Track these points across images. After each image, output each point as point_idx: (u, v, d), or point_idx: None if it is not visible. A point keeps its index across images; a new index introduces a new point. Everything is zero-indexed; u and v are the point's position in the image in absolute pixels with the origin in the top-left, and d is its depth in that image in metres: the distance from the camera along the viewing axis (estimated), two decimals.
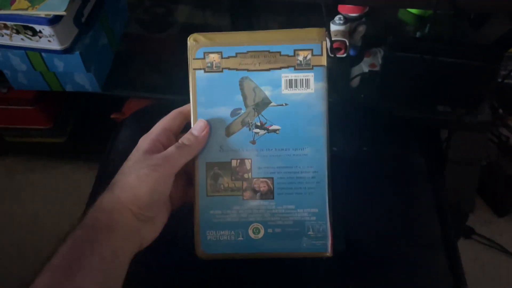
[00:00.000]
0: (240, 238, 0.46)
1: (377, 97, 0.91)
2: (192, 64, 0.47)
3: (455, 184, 1.04)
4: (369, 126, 0.73)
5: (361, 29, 0.84)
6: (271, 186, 0.46)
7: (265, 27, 1.07)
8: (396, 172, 0.66)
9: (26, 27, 0.74)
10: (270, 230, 0.46)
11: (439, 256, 0.58)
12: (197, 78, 0.47)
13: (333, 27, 0.81)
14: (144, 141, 0.44)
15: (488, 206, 1.16)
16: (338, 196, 0.62)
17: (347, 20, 0.82)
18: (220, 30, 0.48)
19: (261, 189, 0.46)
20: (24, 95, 1.05)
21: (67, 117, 1.19)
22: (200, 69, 0.47)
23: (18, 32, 0.76)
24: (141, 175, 0.41)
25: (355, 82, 0.93)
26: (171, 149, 0.43)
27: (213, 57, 0.47)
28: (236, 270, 0.55)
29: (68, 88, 0.89)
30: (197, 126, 0.45)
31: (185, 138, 0.45)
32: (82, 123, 1.21)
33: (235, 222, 0.46)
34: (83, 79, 0.87)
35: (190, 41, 0.48)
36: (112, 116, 1.06)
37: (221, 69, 0.47)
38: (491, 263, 1.06)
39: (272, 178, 0.46)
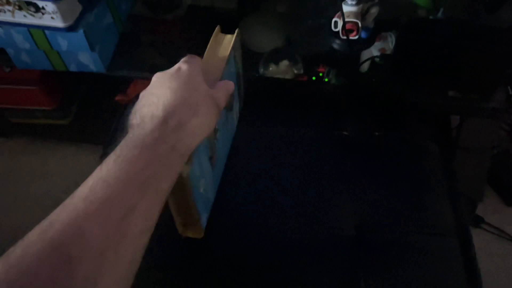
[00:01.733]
0: None
1: (388, 82, 0.88)
2: None
3: (465, 172, 1.02)
4: (381, 111, 0.71)
5: (374, 10, 0.81)
6: None
7: (273, 10, 1.04)
8: (408, 157, 0.64)
9: (28, 3, 0.72)
10: None
11: (451, 243, 0.57)
12: None
13: (346, 8, 0.79)
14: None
15: (497, 195, 1.14)
16: (348, 181, 0.61)
17: (359, 1, 0.79)
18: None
19: None
20: (27, 75, 1.04)
21: (72, 99, 1.17)
22: None
23: (20, 8, 0.73)
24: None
25: (365, 66, 0.90)
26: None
27: None
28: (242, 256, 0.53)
29: (72, 68, 0.88)
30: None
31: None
32: (86, 105, 1.19)
33: None
34: (87, 59, 0.85)
35: None
36: (116, 98, 1.04)
37: None
38: (500, 253, 1.05)
39: None
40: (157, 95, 0.39)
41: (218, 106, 0.44)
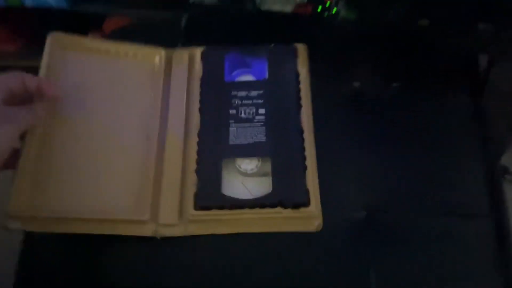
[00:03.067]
0: None
1: (408, 15, 0.73)
2: None
3: (492, 118, 0.89)
4: (400, 54, 0.57)
5: None
6: None
7: None
8: (433, 115, 0.51)
9: None
10: None
11: (483, 227, 0.46)
12: None
13: None
14: None
15: None
16: (358, 147, 0.49)
17: None
18: None
19: None
20: None
21: (40, 38, 1.03)
22: None
23: None
24: None
25: None
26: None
27: None
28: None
29: (28, 3, 0.73)
30: None
31: None
32: None
33: None
34: None
35: None
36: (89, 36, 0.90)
37: None
38: None
39: None
40: None
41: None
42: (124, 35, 0.67)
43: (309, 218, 0.43)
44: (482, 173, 0.48)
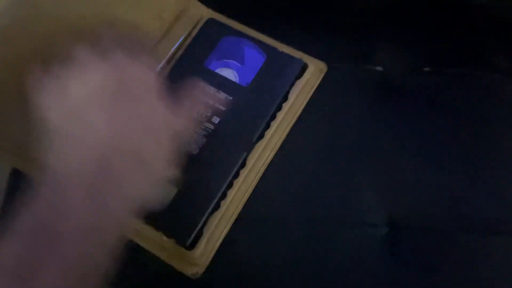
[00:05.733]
0: None
1: None
2: None
3: None
4: (432, 31, 0.47)
5: None
6: None
7: None
8: (473, 107, 0.42)
9: None
10: None
11: None
12: None
13: None
14: None
15: None
16: (380, 146, 0.41)
17: None
18: None
19: None
20: None
21: None
22: None
23: None
24: None
25: None
26: None
27: None
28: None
29: None
30: None
31: None
32: None
33: None
34: None
35: None
36: None
37: None
38: None
39: None
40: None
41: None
42: None
43: (186, 261, 0.36)
44: None
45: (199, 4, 0.44)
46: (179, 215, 0.36)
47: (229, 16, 0.44)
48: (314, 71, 0.42)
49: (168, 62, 0.42)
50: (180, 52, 0.42)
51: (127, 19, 0.37)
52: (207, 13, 0.44)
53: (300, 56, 0.41)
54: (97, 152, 0.24)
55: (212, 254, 0.36)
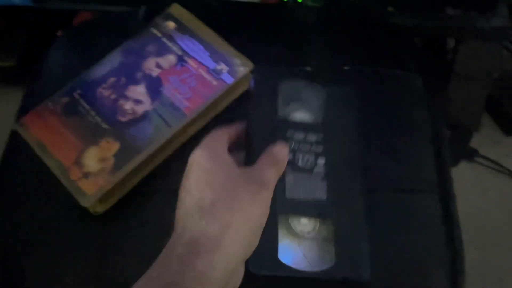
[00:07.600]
0: None
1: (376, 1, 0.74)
2: None
3: (460, 100, 0.90)
4: (354, 37, 0.58)
5: None
6: None
7: None
8: (385, 97, 0.53)
9: None
10: None
11: (431, 202, 0.47)
12: None
13: None
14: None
15: (495, 125, 1.03)
16: None
17: None
18: None
19: None
20: None
21: (13, 38, 1.03)
22: None
23: None
24: None
25: None
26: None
27: None
28: None
29: None
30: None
31: None
32: (32, 44, 1.05)
33: None
34: None
35: None
36: (58, 34, 0.90)
37: None
38: (495, 188, 0.96)
39: None
40: None
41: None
42: (88, 29, 0.69)
43: None
44: (431, 149, 0.49)
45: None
46: (350, 259, 0.36)
47: None
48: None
49: None
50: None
51: None
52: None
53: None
54: None
55: None
